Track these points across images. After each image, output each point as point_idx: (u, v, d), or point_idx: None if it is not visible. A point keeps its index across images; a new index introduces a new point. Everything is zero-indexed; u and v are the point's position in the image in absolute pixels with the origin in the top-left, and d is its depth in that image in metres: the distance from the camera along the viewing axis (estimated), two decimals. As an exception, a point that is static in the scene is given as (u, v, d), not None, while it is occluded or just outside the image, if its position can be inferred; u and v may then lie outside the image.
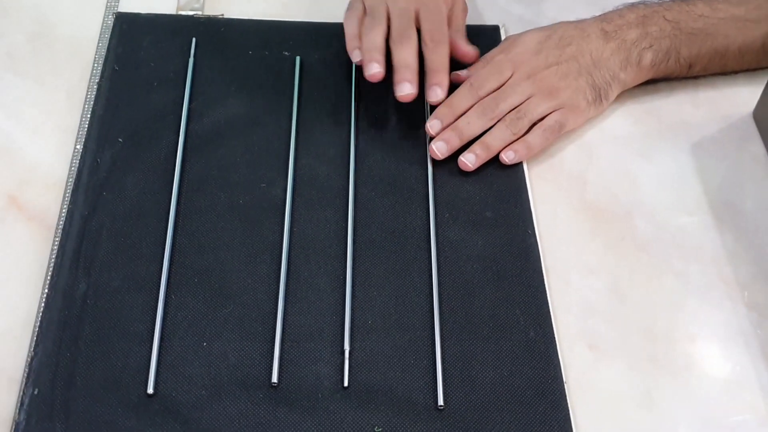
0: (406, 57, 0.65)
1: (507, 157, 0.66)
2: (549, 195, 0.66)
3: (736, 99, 0.73)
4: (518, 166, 0.67)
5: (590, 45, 0.68)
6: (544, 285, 0.60)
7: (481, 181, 0.66)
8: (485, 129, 0.66)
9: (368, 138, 0.68)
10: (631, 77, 0.70)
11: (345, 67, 0.72)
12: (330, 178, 0.65)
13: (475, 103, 0.67)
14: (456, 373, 0.55)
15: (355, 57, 0.67)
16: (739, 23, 0.69)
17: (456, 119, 0.67)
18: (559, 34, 0.69)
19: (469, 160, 0.65)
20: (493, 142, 0.66)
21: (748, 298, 0.61)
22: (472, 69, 0.70)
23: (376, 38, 0.66)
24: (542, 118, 0.67)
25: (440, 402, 0.54)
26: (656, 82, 0.72)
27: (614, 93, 0.70)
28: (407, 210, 0.63)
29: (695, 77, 0.73)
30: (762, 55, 0.71)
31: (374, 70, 0.65)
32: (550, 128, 0.67)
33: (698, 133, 0.71)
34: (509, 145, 0.66)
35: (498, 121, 0.66)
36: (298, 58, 0.72)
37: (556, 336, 0.58)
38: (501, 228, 0.63)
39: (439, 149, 0.66)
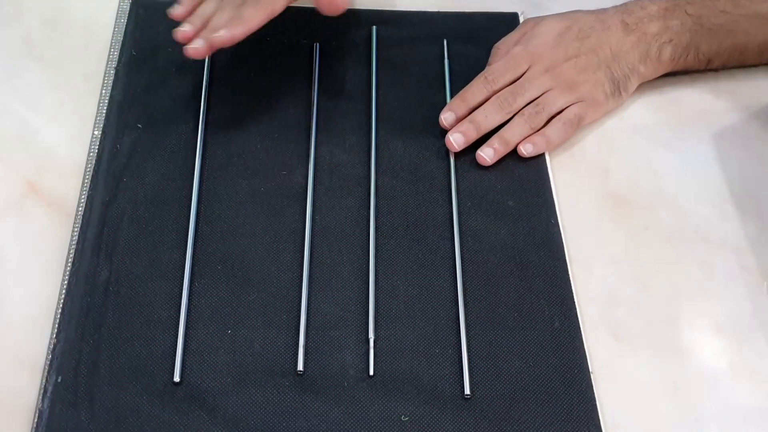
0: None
1: (525, 150, 0.65)
2: (571, 184, 0.66)
3: (757, 89, 0.73)
4: (540, 155, 0.66)
5: (610, 37, 0.68)
6: (568, 275, 0.60)
7: (503, 171, 0.65)
8: (503, 122, 0.66)
9: (388, 126, 0.67)
10: (651, 70, 0.69)
11: (363, 54, 0.72)
12: (351, 165, 0.65)
13: (490, 96, 0.66)
14: (481, 362, 0.55)
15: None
16: (761, 21, 0.69)
17: (470, 112, 0.66)
18: (579, 26, 0.69)
19: (487, 155, 0.65)
20: (512, 136, 0.66)
21: (772, 288, 0.61)
22: (490, 59, 0.69)
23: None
24: (560, 111, 0.66)
25: (467, 391, 0.53)
26: (675, 73, 0.71)
27: (633, 85, 0.69)
28: (429, 199, 0.63)
29: (714, 70, 0.72)
30: None
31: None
32: (570, 121, 0.66)
33: (719, 123, 0.71)
34: (528, 137, 0.66)
35: (515, 114, 0.66)
36: (316, 45, 0.71)
37: (581, 326, 0.57)
38: (524, 217, 0.63)
39: (456, 141, 0.65)
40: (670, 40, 0.68)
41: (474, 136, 0.66)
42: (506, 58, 0.68)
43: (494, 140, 0.66)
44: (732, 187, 0.66)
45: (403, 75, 0.71)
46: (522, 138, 0.66)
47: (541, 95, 0.66)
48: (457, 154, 0.66)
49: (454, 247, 0.60)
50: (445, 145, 0.66)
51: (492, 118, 0.66)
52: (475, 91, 0.67)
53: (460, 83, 0.69)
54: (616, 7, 0.70)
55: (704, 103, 0.72)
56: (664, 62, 0.69)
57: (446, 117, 0.66)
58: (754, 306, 0.60)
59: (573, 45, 0.68)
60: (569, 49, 0.67)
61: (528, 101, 0.66)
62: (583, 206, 0.65)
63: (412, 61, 0.71)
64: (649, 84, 0.72)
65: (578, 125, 0.67)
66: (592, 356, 0.56)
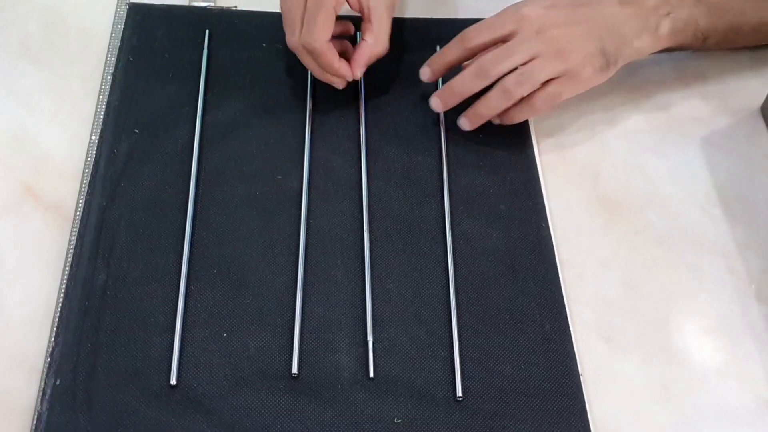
0: None
1: (463, 125, 0.66)
2: (562, 188, 0.67)
3: (745, 94, 0.74)
4: (531, 159, 0.67)
5: (605, 8, 0.65)
6: (558, 278, 0.60)
7: (495, 175, 0.66)
8: (482, 88, 0.64)
9: (381, 130, 0.68)
10: (647, 44, 0.67)
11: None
12: (345, 170, 0.65)
13: (467, 56, 0.65)
14: (473, 365, 0.56)
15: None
16: (756, 2, 0.69)
17: (449, 69, 0.66)
18: None
19: (462, 124, 0.66)
20: (486, 110, 0.65)
21: (758, 291, 0.62)
22: None
23: None
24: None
25: (459, 393, 0.54)
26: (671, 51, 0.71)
27: (624, 61, 0.66)
28: (421, 202, 0.64)
29: (708, 50, 0.72)
30: None
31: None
32: (542, 100, 0.64)
33: (708, 127, 0.72)
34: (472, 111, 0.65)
35: (497, 80, 0.63)
36: (311, 50, 0.72)
37: (571, 329, 0.58)
38: (515, 221, 0.63)
39: (434, 105, 0.66)
40: (669, 13, 0.66)
41: (452, 102, 0.65)
42: (492, 17, 0.65)
43: (470, 112, 0.66)
44: (720, 192, 0.67)
45: (396, 81, 0.71)
46: (497, 112, 0.65)
47: (527, 63, 0.63)
48: (449, 158, 0.66)
49: (446, 251, 0.61)
50: (437, 148, 0.67)
51: (469, 86, 0.64)
52: (450, 48, 0.65)
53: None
54: None
55: (693, 108, 0.73)
56: (662, 36, 0.67)
57: (423, 72, 0.67)
58: (743, 309, 0.61)
59: (566, 11, 0.65)
60: (562, 14, 0.64)
61: (512, 67, 0.63)
62: (574, 210, 0.66)
63: (406, 67, 0.72)
64: (639, 89, 0.73)
65: (552, 104, 0.65)
66: (582, 359, 0.57)
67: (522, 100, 0.64)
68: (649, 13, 0.66)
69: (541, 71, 0.63)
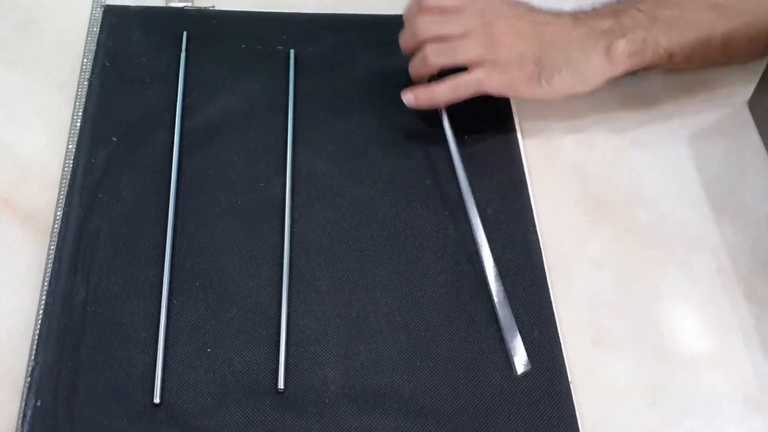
0: None
1: (406, 100, 0.64)
2: (549, 188, 0.66)
3: (731, 88, 0.73)
4: (517, 160, 0.66)
5: (558, 24, 0.64)
6: (546, 283, 0.60)
7: (481, 177, 0.65)
8: (416, 46, 0.64)
9: (366, 133, 0.67)
10: (599, 69, 0.64)
11: (340, 60, 0.71)
12: (329, 175, 0.64)
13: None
14: (462, 374, 0.55)
15: None
16: (720, 11, 0.66)
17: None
18: (533, 6, 0.66)
19: (403, 97, 0.65)
20: (412, 73, 0.65)
21: (747, 289, 0.61)
22: None
23: None
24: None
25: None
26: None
27: (561, 83, 0.63)
28: (408, 208, 0.63)
29: (681, 70, 0.70)
30: (745, 47, 0.67)
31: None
32: (464, 84, 0.63)
33: (695, 122, 0.71)
34: (413, 88, 0.64)
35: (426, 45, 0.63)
36: (292, 52, 0.71)
37: (560, 333, 0.58)
38: (502, 225, 0.63)
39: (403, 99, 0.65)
40: (624, 35, 0.63)
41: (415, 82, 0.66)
42: None
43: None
44: (708, 188, 0.67)
45: (381, 81, 0.70)
46: (420, 77, 0.65)
47: (459, 35, 0.63)
48: (435, 162, 0.65)
49: (434, 257, 0.60)
50: (423, 152, 0.66)
51: (407, 41, 0.65)
52: (410, 6, 0.66)
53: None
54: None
55: (680, 103, 0.72)
56: (618, 58, 0.63)
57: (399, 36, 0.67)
58: (732, 307, 0.61)
59: (520, 11, 0.64)
60: (514, 11, 0.64)
61: (441, 34, 0.63)
62: (562, 210, 0.65)
63: (391, 66, 0.71)
64: (624, 84, 0.71)
65: (473, 91, 0.63)
66: (571, 364, 0.57)
67: (447, 79, 0.63)
68: (601, 35, 0.64)
69: (465, 50, 0.62)
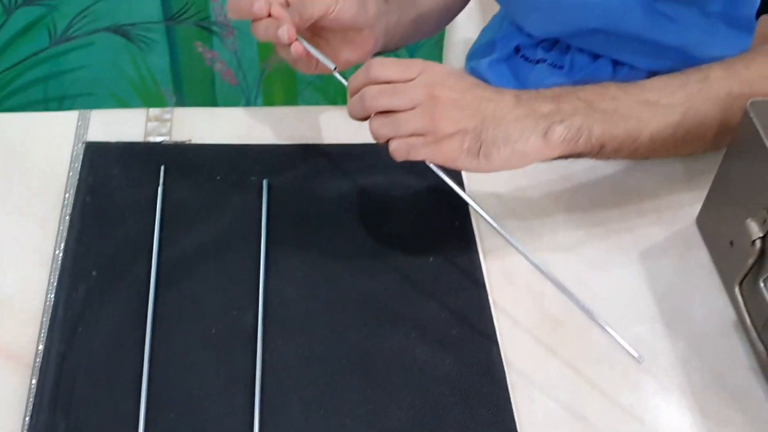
0: None
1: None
2: (510, 310, 0.69)
3: (680, 206, 0.77)
4: (480, 281, 0.70)
5: (501, 102, 0.66)
6: (510, 403, 0.62)
7: (446, 298, 0.68)
8: (364, 116, 0.67)
9: (336, 259, 0.70)
10: (535, 149, 0.66)
11: (311, 188, 0.75)
12: (300, 301, 0.67)
13: (367, 83, 0.67)
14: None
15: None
16: (653, 108, 0.69)
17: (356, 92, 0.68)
18: (478, 80, 0.69)
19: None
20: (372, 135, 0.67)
21: (701, 405, 0.64)
22: None
23: None
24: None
25: None
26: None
27: (497, 159, 0.66)
28: (378, 332, 0.66)
29: (608, 159, 0.72)
30: (672, 143, 0.71)
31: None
32: (401, 146, 0.65)
33: (645, 241, 0.75)
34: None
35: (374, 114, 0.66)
36: (265, 182, 0.75)
37: (523, 454, 0.60)
38: (466, 346, 0.66)
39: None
40: (562, 121, 0.66)
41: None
42: (403, 59, 0.67)
43: None
44: (660, 305, 0.70)
45: (351, 207, 0.74)
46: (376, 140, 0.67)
47: (404, 111, 0.65)
48: (400, 288, 0.69)
49: (401, 380, 0.63)
50: (393, 276, 0.69)
51: (354, 111, 0.67)
52: (357, 75, 0.67)
53: (407, 212, 0.72)
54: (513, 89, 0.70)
55: (630, 222, 0.76)
56: (554, 143, 0.67)
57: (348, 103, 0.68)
58: (687, 423, 0.63)
59: (465, 85, 0.67)
60: (459, 86, 0.66)
61: (388, 108, 0.65)
62: (522, 331, 0.68)
63: (360, 193, 0.75)
64: (577, 204, 0.76)
65: (409, 156, 0.66)
66: (535, 484, 0.59)
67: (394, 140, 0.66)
68: (541, 118, 0.66)
69: (409, 122, 0.65)
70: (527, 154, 0.67)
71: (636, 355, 0.61)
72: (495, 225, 0.66)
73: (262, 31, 0.72)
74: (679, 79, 0.72)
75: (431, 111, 0.65)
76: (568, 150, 0.68)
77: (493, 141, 0.65)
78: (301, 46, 0.72)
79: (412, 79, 0.66)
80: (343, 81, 0.70)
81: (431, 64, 0.67)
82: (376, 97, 0.65)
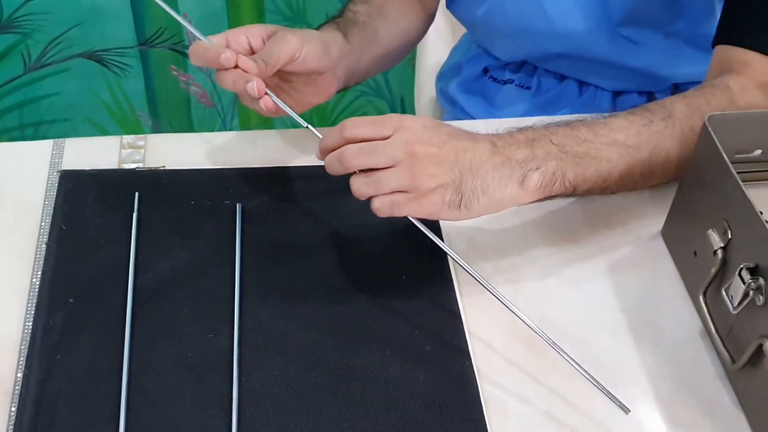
0: None
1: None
2: (483, 325, 0.71)
3: (646, 219, 0.79)
4: (452, 298, 0.71)
5: (477, 152, 0.68)
6: (484, 418, 0.64)
7: (420, 315, 0.70)
8: (343, 173, 0.68)
9: (310, 279, 0.72)
10: (512, 196, 0.69)
11: (285, 210, 0.77)
12: (275, 322, 0.69)
13: (343, 144, 0.67)
14: None
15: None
16: (621, 148, 0.72)
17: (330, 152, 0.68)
18: (453, 128, 0.70)
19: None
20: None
21: (670, 415, 0.66)
22: None
23: None
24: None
25: None
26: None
27: (477, 207, 0.68)
28: (352, 351, 0.67)
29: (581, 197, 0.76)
30: (639, 179, 0.75)
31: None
32: (384, 203, 0.67)
33: (613, 254, 0.77)
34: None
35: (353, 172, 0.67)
36: (238, 206, 0.76)
37: (497, 467, 0.61)
38: (440, 361, 0.67)
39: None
40: (537, 168, 0.69)
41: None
42: (377, 116, 0.68)
43: None
44: (629, 317, 0.72)
45: (324, 228, 0.75)
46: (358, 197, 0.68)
47: (383, 169, 0.66)
48: (375, 306, 0.70)
49: (378, 398, 0.64)
50: (367, 295, 0.71)
51: (332, 168, 0.68)
52: (331, 134, 0.68)
53: (381, 232, 0.74)
54: (487, 134, 0.71)
55: (599, 236, 0.78)
56: (530, 189, 0.69)
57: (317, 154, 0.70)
58: (657, 432, 0.65)
59: (442, 138, 0.67)
60: (436, 139, 0.67)
61: (367, 166, 0.66)
62: (496, 346, 0.69)
63: (333, 214, 0.76)
64: (547, 222, 0.78)
65: (392, 213, 0.67)
66: (510, 496, 0.60)
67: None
68: (517, 165, 0.68)
69: (390, 180, 0.66)
70: (505, 201, 0.69)
71: (626, 407, 0.63)
72: (479, 277, 0.68)
73: (230, 82, 0.73)
74: (644, 117, 0.74)
75: (411, 168, 0.66)
76: (544, 194, 0.71)
77: (473, 191, 0.67)
78: (271, 102, 0.73)
79: (388, 137, 0.67)
80: (318, 135, 0.71)
81: (406, 119, 0.68)
82: (356, 156, 0.66)
